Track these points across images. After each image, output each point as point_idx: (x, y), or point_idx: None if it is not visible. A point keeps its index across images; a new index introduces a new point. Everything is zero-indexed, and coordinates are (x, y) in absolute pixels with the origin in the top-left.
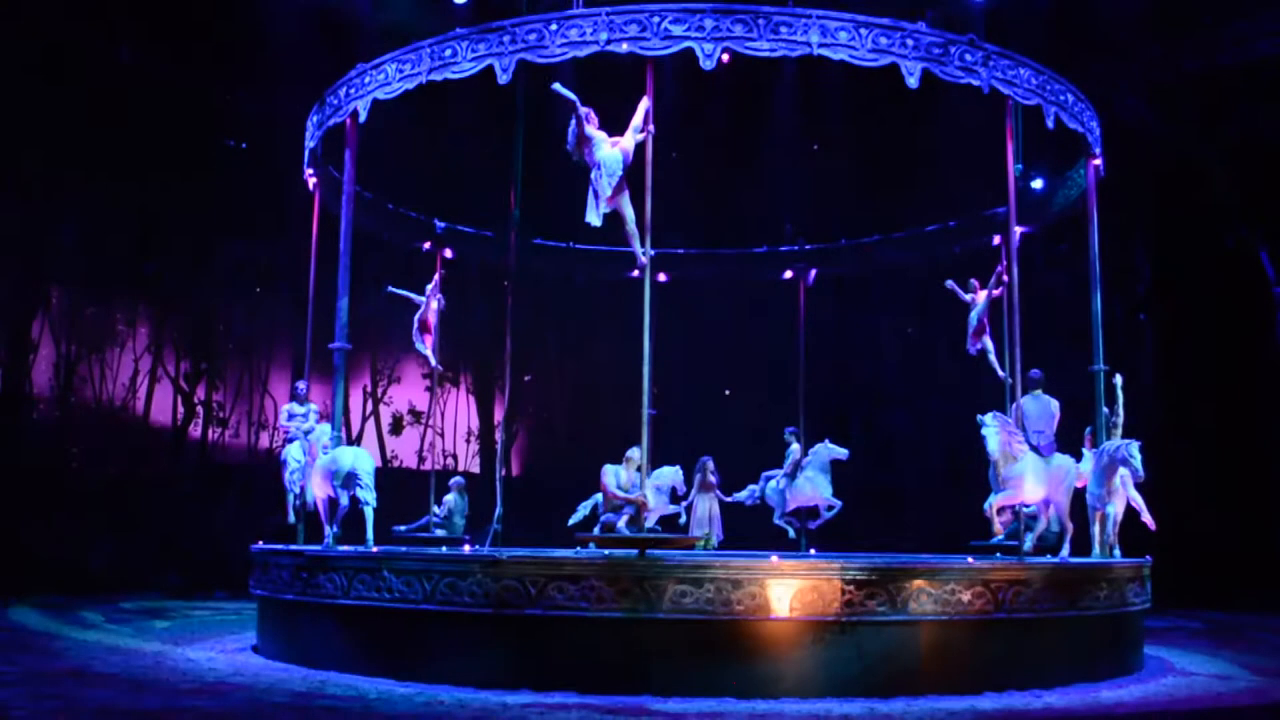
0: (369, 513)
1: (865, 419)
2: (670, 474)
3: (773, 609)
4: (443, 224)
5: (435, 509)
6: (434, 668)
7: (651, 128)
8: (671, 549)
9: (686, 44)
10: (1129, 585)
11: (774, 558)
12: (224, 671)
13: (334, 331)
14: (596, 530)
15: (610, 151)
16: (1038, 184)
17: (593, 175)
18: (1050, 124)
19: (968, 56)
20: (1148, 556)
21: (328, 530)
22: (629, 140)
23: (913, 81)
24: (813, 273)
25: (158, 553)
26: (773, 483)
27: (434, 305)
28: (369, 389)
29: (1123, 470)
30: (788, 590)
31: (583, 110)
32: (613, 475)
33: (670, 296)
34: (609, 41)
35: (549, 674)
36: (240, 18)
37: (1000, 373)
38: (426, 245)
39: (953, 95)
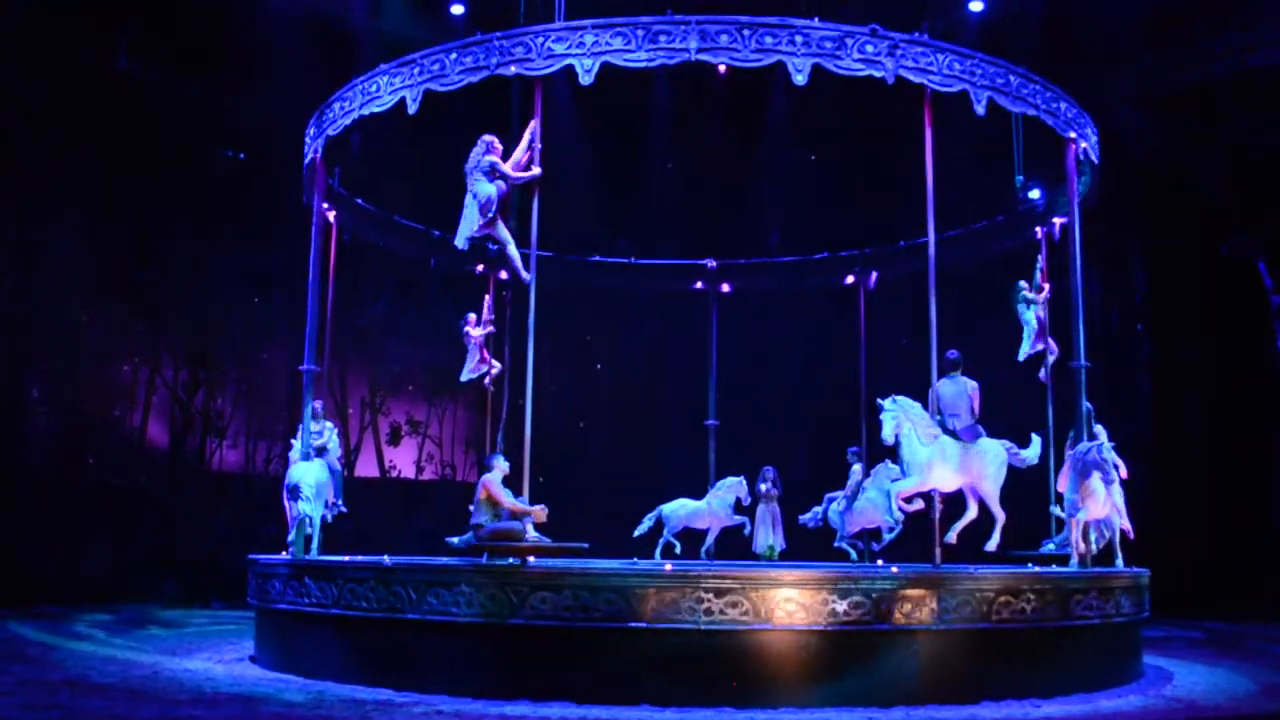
0: (310, 523)
1: (871, 428)
2: (734, 484)
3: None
4: (495, 246)
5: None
6: (431, 678)
7: (539, 145)
8: (557, 557)
9: (568, 61)
10: (1127, 595)
11: (668, 566)
12: (221, 682)
13: (338, 341)
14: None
15: (489, 187)
16: (1035, 194)
17: (466, 200)
18: (981, 109)
19: (869, 47)
20: (1132, 566)
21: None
22: (513, 174)
23: (800, 79)
24: (874, 276)
25: (155, 562)
26: (835, 504)
27: (486, 330)
28: (367, 399)
29: (1099, 473)
30: (643, 597)
31: (489, 138)
32: (498, 485)
33: (689, 307)
34: (499, 65)
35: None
36: (238, 27)
37: (1044, 376)
38: (480, 268)
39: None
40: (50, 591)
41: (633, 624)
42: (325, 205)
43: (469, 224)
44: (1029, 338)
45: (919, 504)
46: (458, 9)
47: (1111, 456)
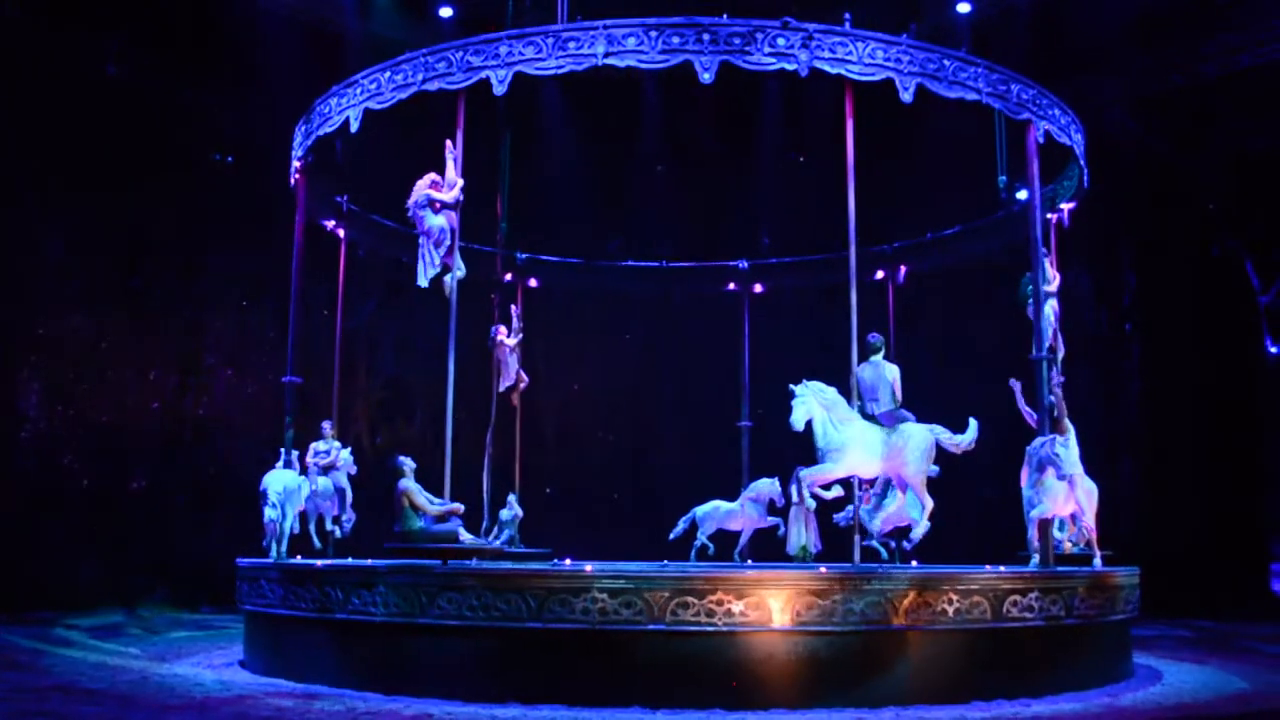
0: (271, 528)
1: None
2: (767, 486)
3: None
4: (524, 255)
5: (507, 526)
6: (422, 681)
7: (460, 159)
8: (477, 559)
9: (484, 73)
10: (1118, 594)
11: (588, 567)
12: (211, 687)
13: (330, 348)
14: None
15: (438, 219)
16: (1022, 195)
17: (420, 240)
18: (909, 96)
19: (780, 41)
20: (1123, 565)
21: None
22: (449, 197)
23: (707, 77)
24: (903, 270)
25: (146, 568)
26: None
27: (518, 339)
28: (359, 405)
29: (1053, 469)
30: (540, 597)
31: (433, 176)
32: (417, 489)
33: (718, 308)
34: (425, 81)
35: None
36: (228, 31)
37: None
38: (508, 276)
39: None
40: (41, 597)
41: (530, 624)
42: (333, 223)
43: (428, 261)
44: (1055, 333)
45: (837, 491)
46: (446, 12)
47: (1070, 453)
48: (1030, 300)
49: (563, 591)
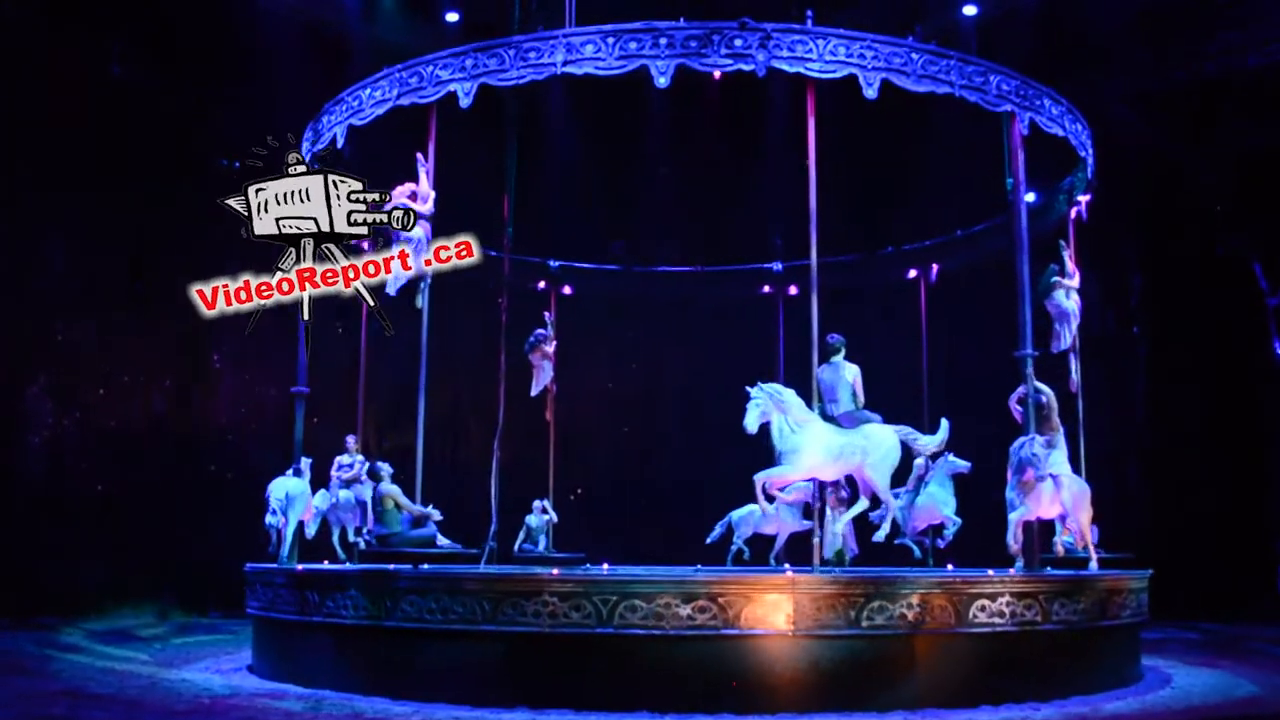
0: (274, 534)
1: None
2: (803, 489)
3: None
4: (556, 262)
5: (538, 532)
6: (428, 685)
7: (431, 171)
8: (450, 564)
9: (451, 86)
10: (1111, 597)
11: (555, 571)
12: (219, 691)
13: (336, 356)
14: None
15: (414, 231)
16: (1030, 197)
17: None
18: (873, 93)
19: (737, 42)
20: (1132, 569)
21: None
22: (425, 209)
23: (663, 81)
24: (935, 269)
25: (153, 572)
26: (899, 501)
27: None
28: (364, 414)
29: (1032, 470)
30: (495, 601)
31: (410, 187)
32: (399, 491)
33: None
34: (400, 96)
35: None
36: (233, 35)
37: (1074, 377)
38: (541, 284)
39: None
40: (48, 602)
41: (485, 626)
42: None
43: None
44: (1068, 327)
45: (797, 495)
46: (453, 16)
47: (1056, 454)
48: (1051, 292)
49: (514, 595)
